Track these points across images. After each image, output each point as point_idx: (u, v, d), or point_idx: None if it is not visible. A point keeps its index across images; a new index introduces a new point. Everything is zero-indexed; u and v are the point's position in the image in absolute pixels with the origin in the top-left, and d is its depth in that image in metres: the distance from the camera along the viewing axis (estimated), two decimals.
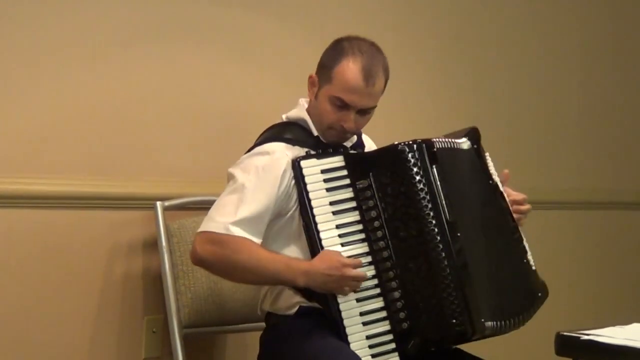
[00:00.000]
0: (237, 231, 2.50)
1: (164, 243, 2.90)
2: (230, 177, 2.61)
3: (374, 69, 2.58)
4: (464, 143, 2.67)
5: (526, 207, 2.76)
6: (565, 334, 2.43)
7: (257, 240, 2.53)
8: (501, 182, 2.72)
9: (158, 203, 2.92)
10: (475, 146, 2.68)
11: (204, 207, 3.00)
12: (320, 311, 2.55)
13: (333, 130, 2.63)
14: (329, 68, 2.60)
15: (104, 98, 2.93)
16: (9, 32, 2.77)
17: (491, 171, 2.70)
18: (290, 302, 2.60)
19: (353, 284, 2.49)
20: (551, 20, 4.14)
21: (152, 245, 2.96)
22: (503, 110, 3.98)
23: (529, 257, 2.70)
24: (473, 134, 2.70)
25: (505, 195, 2.70)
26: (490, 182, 2.68)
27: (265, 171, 2.56)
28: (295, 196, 2.57)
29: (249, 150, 2.65)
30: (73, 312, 2.88)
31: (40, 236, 2.82)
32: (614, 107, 4.37)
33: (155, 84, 3.03)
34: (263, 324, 2.71)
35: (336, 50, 2.61)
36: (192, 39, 3.10)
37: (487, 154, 2.72)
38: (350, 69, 2.56)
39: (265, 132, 2.70)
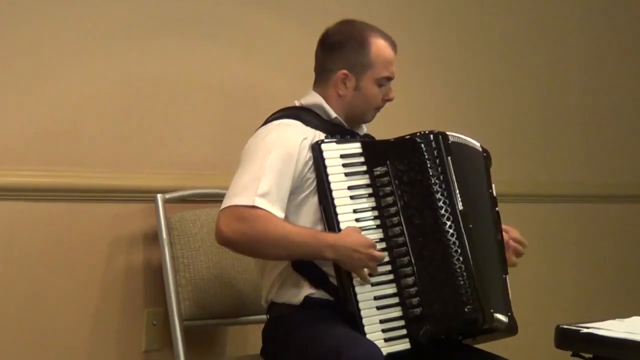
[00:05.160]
0: (263, 203, 2.48)
1: (164, 236, 2.91)
2: (248, 151, 2.60)
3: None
4: (476, 144, 2.73)
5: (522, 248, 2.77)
6: (565, 327, 2.44)
7: (281, 214, 2.52)
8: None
9: (159, 195, 2.92)
10: (485, 154, 2.74)
11: (205, 199, 3.02)
12: (327, 302, 2.55)
13: (376, 110, 2.72)
14: (362, 57, 2.65)
15: (105, 91, 2.93)
16: (12, 26, 2.76)
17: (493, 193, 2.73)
18: (296, 292, 2.59)
19: (373, 266, 2.51)
20: (553, 15, 4.14)
21: (152, 237, 2.96)
22: (504, 105, 3.98)
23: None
24: (485, 150, 2.76)
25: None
26: (490, 191, 2.71)
27: (283, 144, 2.56)
28: (311, 175, 2.58)
29: (262, 125, 2.65)
30: (74, 304, 2.88)
31: (41, 228, 2.82)
32: (614, 101, 4.37)
33: (157, 78, 3.03)
34: (264, 317, 2.70)
35: (358, 40, 2.66)
36: (195, 33, 3.10)
37: (493, 185, 2.74)
38: (383, 46, 2.67)
39: (278, 111, 2.70)
